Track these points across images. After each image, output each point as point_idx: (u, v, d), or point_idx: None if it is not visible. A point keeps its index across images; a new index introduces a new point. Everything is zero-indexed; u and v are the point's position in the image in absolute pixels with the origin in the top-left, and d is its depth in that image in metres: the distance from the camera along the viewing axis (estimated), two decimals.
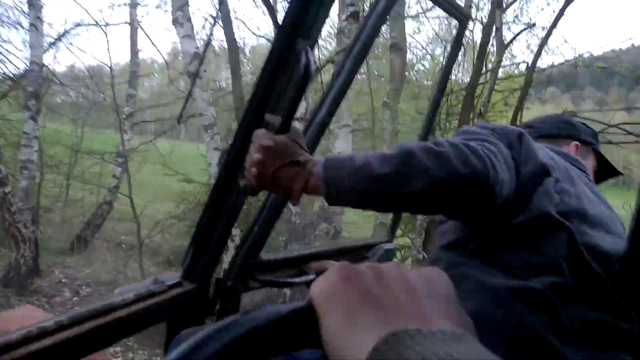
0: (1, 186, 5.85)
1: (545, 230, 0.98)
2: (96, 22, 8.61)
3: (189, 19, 5.31)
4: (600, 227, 1.05)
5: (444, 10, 1.68)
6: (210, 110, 5.36)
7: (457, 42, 1.92)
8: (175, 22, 5.24)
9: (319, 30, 0.98)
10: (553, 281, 0.93)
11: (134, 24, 9.19)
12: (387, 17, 1.30)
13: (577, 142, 1.40)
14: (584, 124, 1.49)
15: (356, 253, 1.85)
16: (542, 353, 0.88)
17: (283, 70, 0.95)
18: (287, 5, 0.93)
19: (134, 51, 9.46)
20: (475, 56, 5.97)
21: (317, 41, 1.02)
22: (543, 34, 6.41)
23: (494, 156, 0.92)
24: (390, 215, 2.80)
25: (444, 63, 2.05)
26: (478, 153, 0.89)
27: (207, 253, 1.19)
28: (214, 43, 8.92)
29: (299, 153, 0.95)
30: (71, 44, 12.48)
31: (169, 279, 1.17)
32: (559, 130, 1.43)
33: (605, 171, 1.47)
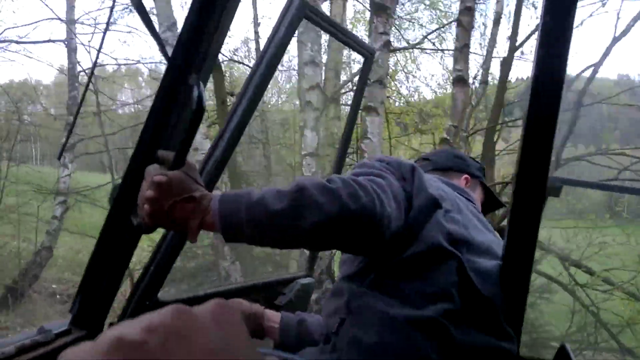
0: None
1: (436, 259, 1.05)
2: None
3: None
4: (486, 253, 1.13)
5: (351, 48, 1.76)
6: (206, 144, 4.97)
7: (363, 78, 1.99)
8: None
9: (212, 64, 0.98)
10: (445, 308, 0.99)
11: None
12: (286, 47, 1.32)
13: (467, 176, 1.52)
14: (473, 158, 1.63)
15: (271, 289, 1.80)
16: None
17: (175, 104, 0.93)
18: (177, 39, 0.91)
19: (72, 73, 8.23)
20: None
21: (209, 74, 1.02)
22: None
23: (382, 191, 0.98)
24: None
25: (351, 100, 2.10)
26: (367, 189, 0.94)
27: (99, 297, 1.12)
28: None
29: (194, 188, 0.93)
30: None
31: (56, 327, 1.08)
32: (452, 164, 1.54)
33: (490, 203, 1.60)
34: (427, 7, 9.39)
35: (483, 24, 9.91)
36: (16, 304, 6.83)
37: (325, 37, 5.92)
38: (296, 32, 1.67)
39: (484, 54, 7.86)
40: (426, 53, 9.51)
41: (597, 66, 6.65)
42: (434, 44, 9.11)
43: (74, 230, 7.95)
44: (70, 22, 7.85)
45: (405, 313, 0.99)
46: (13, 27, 7.88)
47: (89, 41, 8.59)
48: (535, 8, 7.75)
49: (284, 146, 9.74)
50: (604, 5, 7.16)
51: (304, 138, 5.05)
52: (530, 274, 1.10)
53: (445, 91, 9.96)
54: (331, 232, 0.92)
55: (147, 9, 0.89)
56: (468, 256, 1.08)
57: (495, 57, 7.62)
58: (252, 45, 9.54)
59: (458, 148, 4.50)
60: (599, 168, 6.88)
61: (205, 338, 0.31)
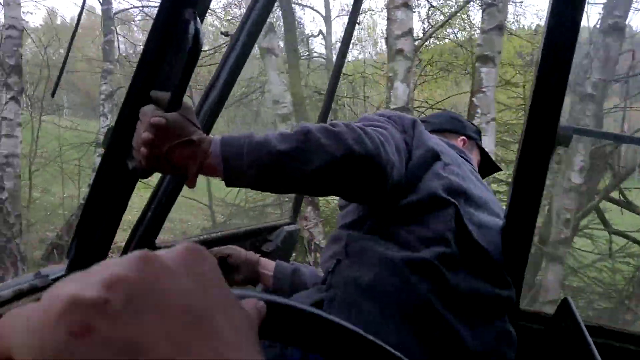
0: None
1: (433, 207, 1.07)
2: None
3: None
4: (483, 208, 1.16)
5: None
6: (287, 97, 4.69)
7: (352, 19, 1.94)
8: None
9: None
10: (441, 251, 1.01)
11: None
12: None
13: (464, 137, 1.56)
14: (469, 121, 1.66)
15: (257, 236, 1.82)
16: (429, 320, 0.96)
17: (169, 41, 0.88)
18: None
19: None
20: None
21: (207, 8, 0.97)
22: None
23: (385, 140, 1.00)
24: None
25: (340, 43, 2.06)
26: (371, 135, 0.95)
27: (95, 242, 1.10)
28: None
29: (192, 131, 0.90)
30: None
31: (53, 272, 1.07)
32: (449, 125, 1.57)
33: (487, 166, 1.64)
34: None
35: None
36: (63, 261, 6.64)
37: None
38: None
39: None
40: None
41: None
42: None
43: None
44: None
45: (402, 255, 1.01)
46: None
47: None
48: None
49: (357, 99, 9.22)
50: None
51: (394, 91, 4.48)
52: (534, 224, 1.11)
53: None
54: (335, 174, 0.92)
55: None
56: (466, 207, 1.10)
57: None
58: None
59: None
60: None
61: (177, 291, 0.26)
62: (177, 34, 0.86)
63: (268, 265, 1.49)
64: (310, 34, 10.04)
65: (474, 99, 3.70)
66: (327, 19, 10.74)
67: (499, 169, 1.68)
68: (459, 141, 1.54)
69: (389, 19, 4.48)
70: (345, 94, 9.07)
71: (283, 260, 1.53)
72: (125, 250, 1.25)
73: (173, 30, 0.87)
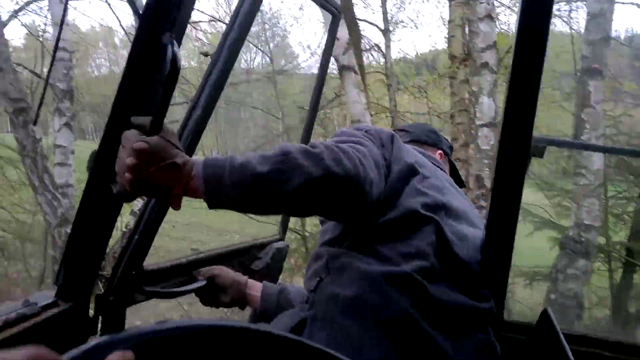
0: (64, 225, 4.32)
1: (414, 224, 1.09)
2: None
3: None
4: (462, 218, 1.18)
5: (318, 5, 1.71)
6: (367, 117, 4.36)
7: (331, 37, 1.95)
8: None
9: (186, 21, 0.94)
10: (421, 265, 1.02)
11: None
12: (260, 4, 1.28)
13: (441, 151, 1.60)
14: (444, 137, 1.70)
15: (247, 254, 1.82)
16: (410, 333, 0.96)
17: (148, 65, 0.89)
18: None
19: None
20: None
21: (183, 32, 0.98)
22: None
23: (364, 157, 1.00)
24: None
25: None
26: (349, 154, 0.96)
27: (83, 268, 1.10)
28: None
29: (175, 154, 0.91)
30: None
31: (42, 300, 1.07)
32: (427, 138, 1.61)
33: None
34: None
35: None
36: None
37: None
38: None
39: None
40: None
41: None
42: None
43: None
44: None
45: (382, 269, 1.02)
46: None
47: None
48: None
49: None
50: None
51: (479, 106, 4.46)
52: (514, 236, 1.12)
53: None
54: (315, 195, 0.93)
55: None
56: (446, 219, 1.12)
57: None
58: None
59: None
60: None
61: None
62: (156, 58, 0.87)
63: (255, 287, 1.50)
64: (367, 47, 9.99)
65: (582, 114, 3.55)
66: (386, 32, 10.73)
67: (464, 185, 1.72)
68: (437, 154, 1.57)
69: (471, 32, 4.45)
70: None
71: (273, 277, 1.54)
72: (114, 275, 1.25)
73: (151, 55, 0.88)
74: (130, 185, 0.89)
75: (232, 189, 0.90)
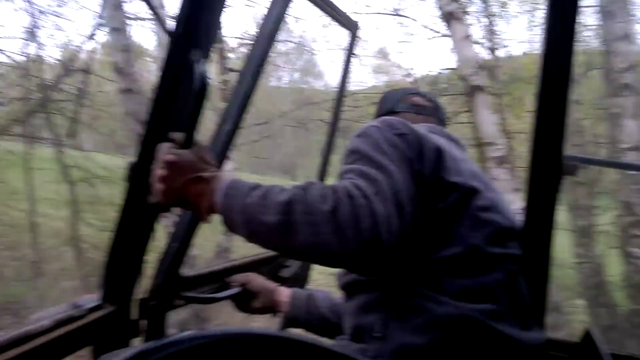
0: None
1: (479, 261, 1.01)
2: None
3: None
4: (505, 214, 1.09)
5: (334, 20, 1.77)
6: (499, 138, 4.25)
7: (349, 53, 1.98)
8: None
9: (213, 39, 1.01)
10: (489, 308, 0.97)
11: None
12: (283, 22, 1.35)
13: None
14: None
15: (275, 262, 1.85)
16: None
17: (179, 83, 0.96)
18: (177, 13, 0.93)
19: None
20: None
21: (210, 49, 1.05)
22: None
23: (379, 196, 0.87)
24: None
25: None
26: (357, 214, 0.83)
27: (125, 273, 1.18)
28: None
29: (203, 168, 0.96)
30: None
31: (88, 302, 1.15)
32: (439, 114, 1.44)
33: None
34: None
35: None
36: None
37: None
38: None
39: None
40: None
41: None
42: None
43: None
44: None
45: (451, 311, 0.95)
46: None
47: None
48: None
49: None
50: None
51: (623, 128, 4.20)
52: (550, 256, 1.08)
53: None
54: (319, 259, 0.91)
55: None
56: (508, 244, 1.06)
57: None
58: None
59: None
60: None
61: None
62: (186, 75, 0.94)
63: (284, 293, 1.54)
64: None
65: None
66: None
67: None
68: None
69: (609, 52, 4.33)
70: None
71: (301, 284, 1.58)
72: (155, 281, 1.32)
73: (182, 72, 0.95)
74: (162, 195, 0.96)
75: (240, 227, 0.92)
